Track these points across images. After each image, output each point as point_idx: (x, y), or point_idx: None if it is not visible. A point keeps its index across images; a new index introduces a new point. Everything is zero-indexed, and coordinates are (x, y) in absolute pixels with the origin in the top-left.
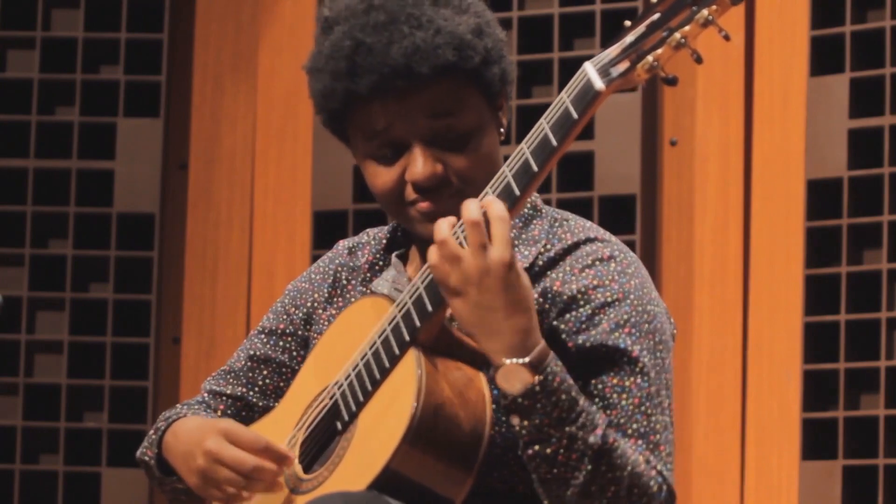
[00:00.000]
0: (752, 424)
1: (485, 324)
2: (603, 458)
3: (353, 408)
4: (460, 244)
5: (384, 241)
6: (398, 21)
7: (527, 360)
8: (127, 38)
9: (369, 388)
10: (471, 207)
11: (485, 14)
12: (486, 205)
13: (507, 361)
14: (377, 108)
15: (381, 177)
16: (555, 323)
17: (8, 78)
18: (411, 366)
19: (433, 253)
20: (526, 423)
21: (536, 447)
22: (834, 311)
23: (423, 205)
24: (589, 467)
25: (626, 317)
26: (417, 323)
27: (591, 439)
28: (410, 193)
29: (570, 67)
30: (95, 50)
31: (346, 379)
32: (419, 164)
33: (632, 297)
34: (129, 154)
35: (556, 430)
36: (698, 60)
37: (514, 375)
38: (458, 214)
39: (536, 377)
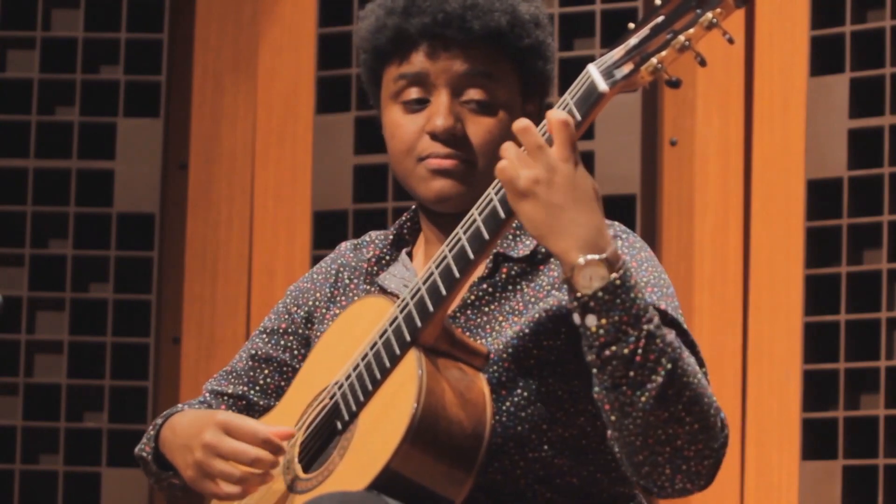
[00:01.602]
0: (752, 424)
1: (557, 223)
2: (679, 361)
3: (354, 407)
4: None
5: (390, 238)
6: None
7: (604, 255)
8: (127, 38)
9: (370, 387)
10: (518, 122)
11: (544, 14)
12: (547, 115)
13: (583, 259)
14: (421, 50)
15: (401, 125)
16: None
17: (8, 78)
18: (412, 366)
19: (503, 160)
20: (604, 321)
21: (613, 348)
22: (834, 311)
23: (433, 161)
24: (668, 367)
25: (646, 278)
26: (419, 323)
27: (669, 338)
28: (425, 147)
29: (571, 67)
30: (95, 50)
31: (346, 378)
32: (442, 113)
33: (646, 265)
34: (129, 154)
35: (635, 328)
36: (702, 63)
37: (593, 271)
38: (462, 187)
39: (615, 273)
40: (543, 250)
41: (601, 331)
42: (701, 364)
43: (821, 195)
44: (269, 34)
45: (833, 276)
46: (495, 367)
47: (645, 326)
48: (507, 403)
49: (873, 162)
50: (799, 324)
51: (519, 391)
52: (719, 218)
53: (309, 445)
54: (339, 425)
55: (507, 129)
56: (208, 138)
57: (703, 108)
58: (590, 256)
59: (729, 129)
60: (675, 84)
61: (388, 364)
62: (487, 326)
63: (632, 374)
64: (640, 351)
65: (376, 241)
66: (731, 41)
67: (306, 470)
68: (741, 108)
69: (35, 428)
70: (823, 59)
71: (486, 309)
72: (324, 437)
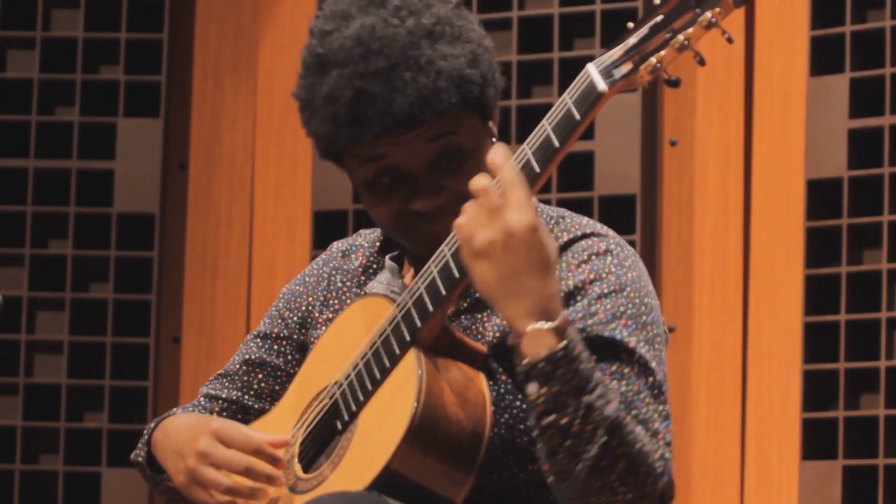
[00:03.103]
0: (752, 424)
1: (510, 287)
2: (616, 432)
3: (353, 407)
4: None
5: (377, 244)
6: (398, 67)
7: (553, 324)
8: (127, 38)
9: (369, 387)
10: (476, 180)
11: (475, 34)
12: (499, 175)
13: (531, 327)
14: (380, 144)
15: (380, 205)
16: None
17: (8, 78)
18: (412, 366)
19: (461, 217)
20: (544, 390)
21: (552, 417)
22: (834, 311)
23: (425, 227)
24: (603, 439)
25: (622, 308)
26: (418, 323)
27: (608, 411)
28: (412, 217)
29: (570, 67)
30: (95, 50)
31: (346, 379)
32: (422, 196)
33: (628, 289)
34: (129, 154)
35: (574, 399)
36: (701, 63)
37: (540, 340)
38: None
39: (561, 342)
40: None
41: (541, 399)
42: (664, 402)
43: (821, 195)
44: (269, 34)
45: (833, 276)
46: (492, 383)
47: (585, 398)
48: (506, 416)
49: (873, 162)
50: (799, 324)
51: (518, 403)
52: (719, 218)
53: (309, 445)
54: (339, 425)
55: (482, 162)
56: (208, 138)
57: (703, 108)
58: (538, 325)
59: (729, 129)
60: (674, 83)
61: (387, 364)
62: (473, 328)
63: (568, 443)
64: (577, 421)
65: (365, 245)
66: (730, 40)
67: (306, 470)
68: (741, 108)
69: (35, 428)
70: (823, 59)
71: (479, 316)
72: (324, 438)
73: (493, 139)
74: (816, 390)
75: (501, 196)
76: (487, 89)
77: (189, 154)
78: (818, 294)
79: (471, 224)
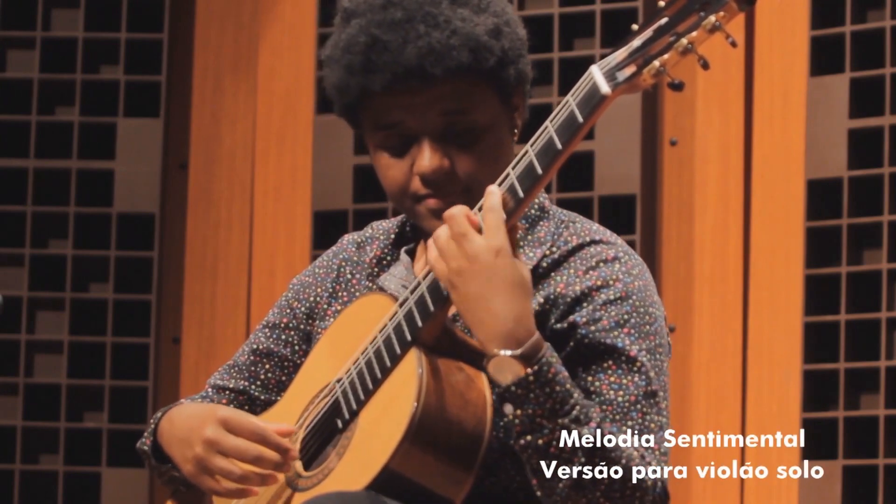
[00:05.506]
0: (752, 424)
1: (475, 314)
2: (597, 451)
3: (354, 406)
4: None
5: (392, 236)
6: (415, 20)
7: (519, 352)
8: (127, 38)
9: (370, 386)
10: (448, 210)
11: (504, 14)
12: (484, 194)
13: (498, 353)
14: (390, 102)
15: (390, 168)
16: (556, 325)
17: (8, 78)
18: (412, 365)
19: (430, 250)
20: (519, 412)
21: (528, 437)
22: (834, 311)
23: (430, 201)
24: (582, 460)
25: (626, 316)
26: (419, 322)
27: (586, 432)
28: (418, 188)
29: (571, 67)
30: (95, 50)
31: (347, 377)
32: (426, 157)
33: (634, 297)
34: (129, 154)
35: (549, 421)
36: (705, 66)
37: (506, 367)
38: None
39: (530, 368)
40: (546, 264)
41: (517, 420)
42: (661, 412)
43: (821, 195)
44: (269, 34)
45: (833, 276)
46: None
47: (560, 420)
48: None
49: (873, 162)
50: (799, 324)
51: None
52: (719, 218)
53: (309, 443)
54: (340, 424)
55: (498, 142)
56: (208, 138)
57: (703, 108)
58: (504, 351)
59: (729, 129)
60: (677, 87)
61: (388, 363)
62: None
63: (546, 462)
64: (553, 443)
65: (380, 237)
66: (734, 44)
67: (306, 468)
68: (741, 108)
69: (35, 428)
70: (823, 59)
71: None
72: (324, 436)
73: (516, 131)
74: (816, 390)
75: (456, 223)
76: (507, 67)
77: (189, 154)
78: (818, 294)
79: (442, 252)
